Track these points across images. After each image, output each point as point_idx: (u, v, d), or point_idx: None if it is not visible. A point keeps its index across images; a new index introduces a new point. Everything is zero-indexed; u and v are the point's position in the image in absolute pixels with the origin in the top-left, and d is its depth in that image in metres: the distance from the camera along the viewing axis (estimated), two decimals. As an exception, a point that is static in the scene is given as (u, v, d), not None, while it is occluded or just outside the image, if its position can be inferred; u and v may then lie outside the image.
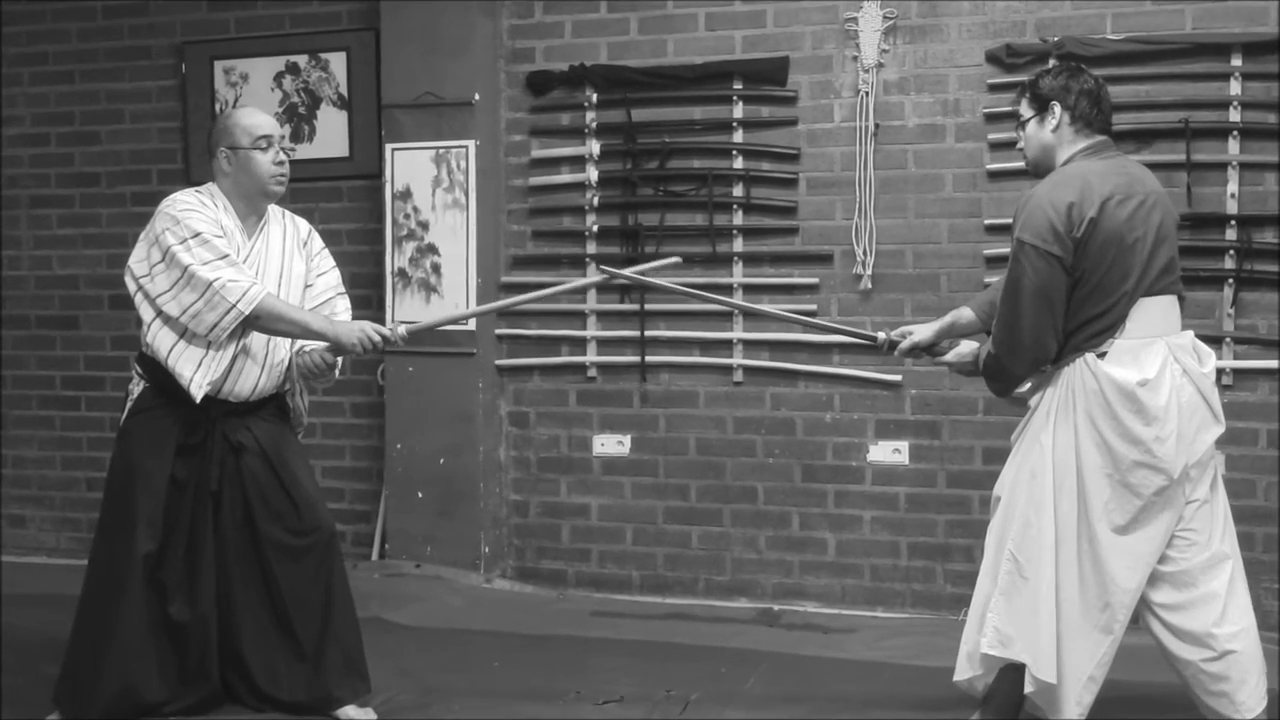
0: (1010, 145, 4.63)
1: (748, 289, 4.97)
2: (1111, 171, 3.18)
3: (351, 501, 5.55)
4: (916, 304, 4.78)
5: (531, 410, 5.27)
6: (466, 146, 5.14)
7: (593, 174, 5.10)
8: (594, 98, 5.10)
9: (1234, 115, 4.46)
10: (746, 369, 4.99)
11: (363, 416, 5.52)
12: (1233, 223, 4.47)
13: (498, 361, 5.26)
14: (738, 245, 4.98)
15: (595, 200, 5.10)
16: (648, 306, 5.04)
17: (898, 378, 4.81)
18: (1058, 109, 3.25)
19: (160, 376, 3.45)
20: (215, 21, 5.61)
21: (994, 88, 4.70)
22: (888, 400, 4.84)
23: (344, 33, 5.44)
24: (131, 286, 3.45)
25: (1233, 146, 4.47)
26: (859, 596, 4.89)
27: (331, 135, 5.49)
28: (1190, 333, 3.26)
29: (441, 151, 5.17)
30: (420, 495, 5.22)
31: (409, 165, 5.20)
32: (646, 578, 5.13)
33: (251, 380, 3.52)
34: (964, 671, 3.34)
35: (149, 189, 5.68)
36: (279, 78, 5.52)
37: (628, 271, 3.81)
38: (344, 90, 5.45)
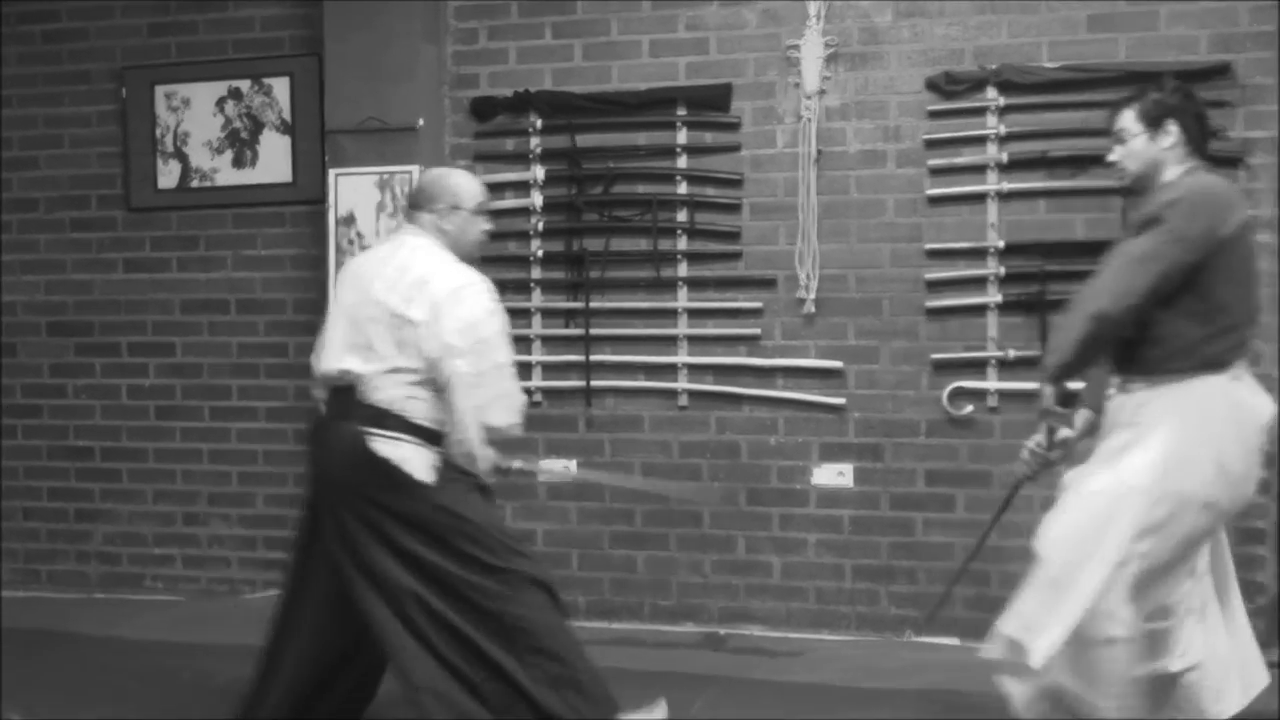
0: (949, 171, 4.73)
1: (692, 314, 4.99)
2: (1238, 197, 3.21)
3: (295, 529, 5.47)
4: (859, 328, 4.83)
5: (477, 436, 5.24)
6: (411, 172, 5.13)
7: (537, 199, 5.11)
8: (538, 123, 5.12)
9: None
10: (691, 393, 5.01)
11: (306, 444, 5.45)
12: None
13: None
14: (682, 270, 5.00)
15: (540, 225, 5.11)
16: (593, 331, 5.05)
17: (841, 401, 4.84)
18: (1174, 127, 3.20)
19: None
20: (156, 46, 5.57)
21: (934, 114, 4.77)
22: (831, 423, 4.87)
23: (287, 58, 5.43)
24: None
25: (1164, 173, 4.55)
26: (804, 619, 4.90)
27: (274, 160, 5.46)
28: None
29: (385, 177, 5.15)
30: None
31: (353, 190, 5.18)
32: (593, 603, 5.12)
33: None
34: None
35: (88, 214, 5.64)
36: (221, 102, 5.49)
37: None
38: (287, 115, 5.43)
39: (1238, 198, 3.20)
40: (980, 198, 4.70)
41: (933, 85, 4.77)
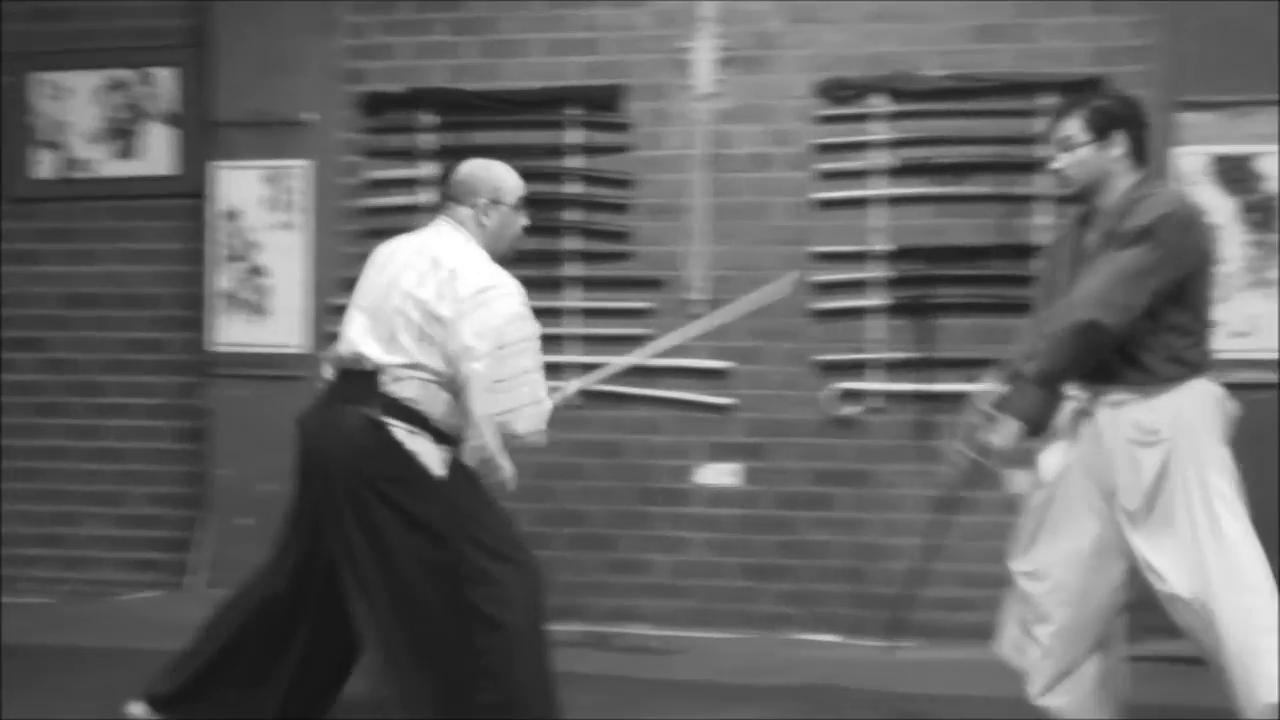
0: (837, 175, 4.79)
1: (582, 314, 4.99)
2: None
3: (172, 529, 5.36)
4: (746, 329, 4.83)
5: (363, 434, 5.18)
6: (300, 166, 5.07)
7: (427, 196, 5.07)
8: (430, 120, 5.08)
9: (1041, 151, 4.66)
10: (579, 392, 4.98)
11: (184, 442, 5.36)
12: (1040, 253, 4.65)
13: (329, 385, 5.16)
14: (572, 270, 5.00)
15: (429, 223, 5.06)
16: (482, 330, 5.01)
17: (728, 401, 4.87)
18: (1122, 137, 3.15)
19: None
20: (36, 33, 5.43)
21: (822, 119, 4.83)
22: (717, 423, 4.90)
23: (174, 48, 5.33)
24: None
25: (1040, 181, 4.66)
26: (688, 618, 4.91)
27: (158, 153, 5.36)
28: None
29: (272, 171, 5.08)
30: (245, 522, 5.09)
31: (239, 184, 5.11)
32: (479, 603, 5.07)
33: None
34: None
35: (-38, 203, 5.47)
36: (103, 92, 5.36)
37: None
38: (173, 106, 5.32)
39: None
40: (866, 203, 4.77)
41: (822, 91, 4.83)
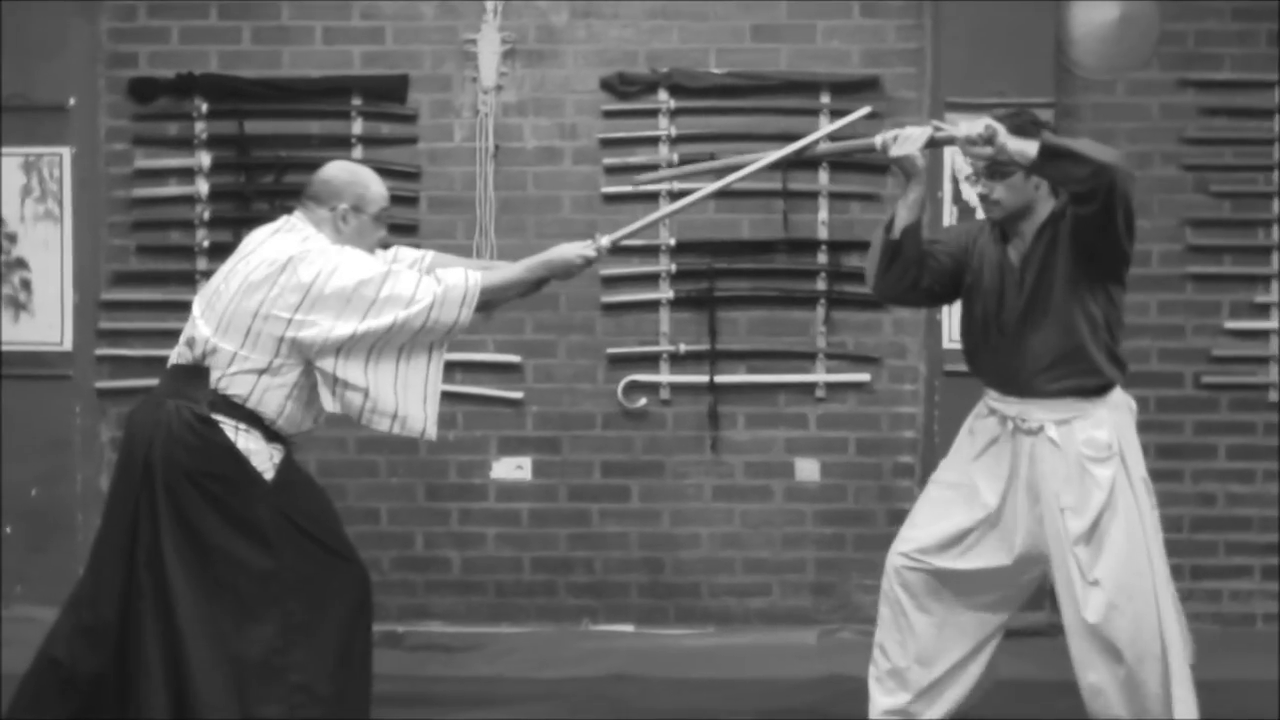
0: (623, 169, 4.84)
1: (368, 307, 4.89)
2: None
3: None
4: (536, 322, 4.87)
5: (136, 436, 4.95)
6: (60, 154, 4.80)
7: (203, 187, 4.88)
8: (204, 108, 4.88)
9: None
10: (368, 389, 4.90)
11: (-61, 446, 5.02)
12: (824, 247, 4.83)
13: (98, 384, 4.91)
14: (358, 263, 4.89)
15: (206, 215, 4.88)
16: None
17: (519, 395, 4.87)
18: None
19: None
20: None
21: (608, 114, 4.87)
22: (509, 417, 4.89)
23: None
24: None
25: (823, 177, 4.83)
26: (483, 613, 4.90)
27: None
28: None
29: (32, 158, 4.80)
30: (8, 530, 4.81)
31: (-6, 172, 4.80)
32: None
33: None
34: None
35: None
36: None
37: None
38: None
39: None
40: (653, 196, 4.83)
41: (607, 85, 4.87)
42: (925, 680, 3.34)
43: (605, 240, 3.37)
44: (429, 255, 3.55)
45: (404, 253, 3.52)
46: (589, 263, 3.37)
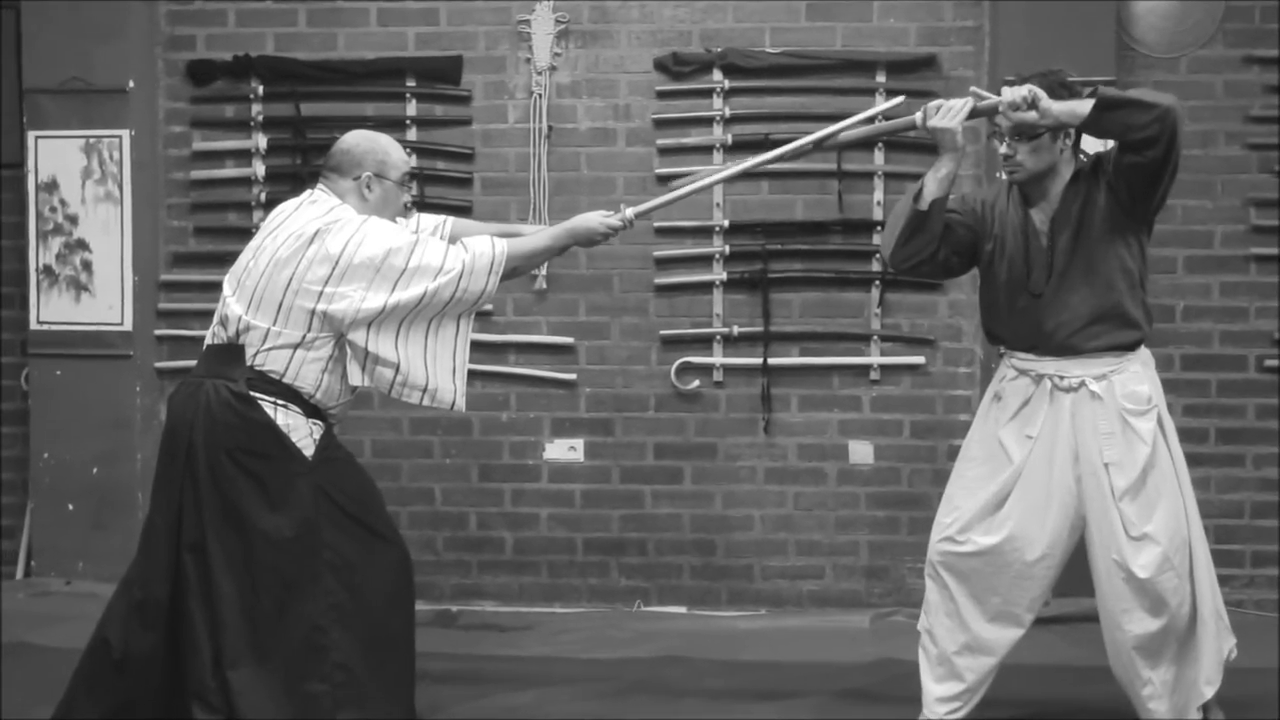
0: (677, 150, 4.82)
1: (423, 289, 4.92)
2: None
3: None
4: (590, 304, 4.87)
5: (195, 415, 5.01)
6: (120, 136, 4.86)
7: (260, 169, 4.92)
8: (260, 90, 4.92)
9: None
10: (422, 369, 4.93)
11: (6, 425, 5.11)
12: (879, 228, 4.79)
13: (157, 364, 4.98)
14: (412, 244, 4.92)
15: (263, 196, 4.92)
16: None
17: (572, 376, 4.88)
18: (1072, 130, 3.18)
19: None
20: None
21: (662, 94, 4.85)
22: (563, 399, 4.90)
23: (-17, 11, 5.02)
24: None
25: (878, 157, 4.79)
26: (536, 593, 4.92)
27: (-30, 122, 5.05)
28: None
29: (92, 141, 4.86)
30: (71, 507, 4.89)
31: (55, 155, 4.86)
32: (320, 585, 4.98)
33: None
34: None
35: None
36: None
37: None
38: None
39: None
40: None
41: (661, 66, 4.85)
42: (977, 669, 3.33)
43: (630, 211, 3.39)
44: (449, 221, 3.57)
45: (425, 219, 3.53)
46: (614, 232, 3.37)
